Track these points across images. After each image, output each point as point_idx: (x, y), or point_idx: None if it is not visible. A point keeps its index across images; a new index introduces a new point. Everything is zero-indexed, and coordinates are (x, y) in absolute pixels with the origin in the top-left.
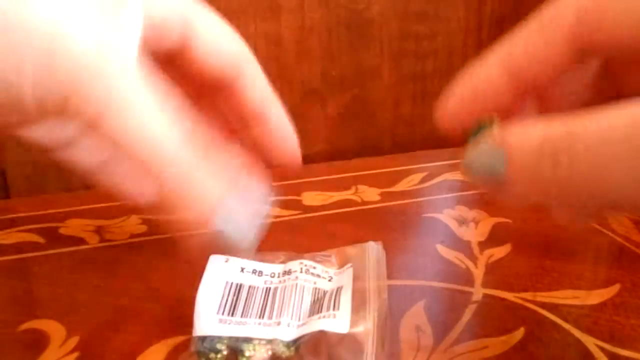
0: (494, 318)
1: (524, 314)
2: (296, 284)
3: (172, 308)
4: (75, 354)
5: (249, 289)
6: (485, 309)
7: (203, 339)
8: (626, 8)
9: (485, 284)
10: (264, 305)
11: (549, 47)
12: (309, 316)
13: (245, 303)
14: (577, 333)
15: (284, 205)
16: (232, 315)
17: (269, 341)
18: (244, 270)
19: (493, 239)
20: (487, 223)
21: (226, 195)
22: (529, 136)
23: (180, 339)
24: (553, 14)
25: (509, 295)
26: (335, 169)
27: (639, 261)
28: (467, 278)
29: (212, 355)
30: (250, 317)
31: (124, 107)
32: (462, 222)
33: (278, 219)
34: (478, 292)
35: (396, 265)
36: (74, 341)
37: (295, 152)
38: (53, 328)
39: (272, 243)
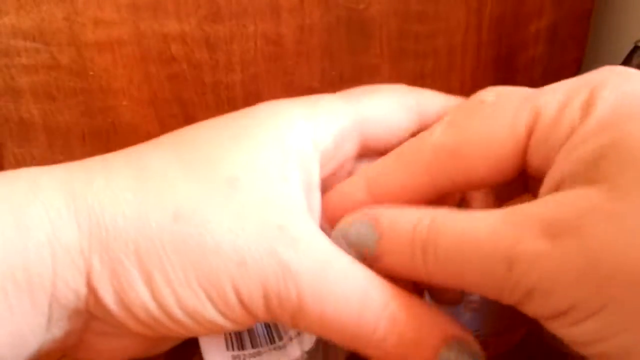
0: (494, 318)
1: (524, 314)
2: None
3: None
4: None
5: None
6: (486, 309)
7: None
8: (481, 152)
9: None
10: (267, 328)
11: (411, 180)
12: None
13: (248, 332)
14: None
15: None
16: (243, 348)
17: None
18: None
19: None
20: None
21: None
22: (401, 226)
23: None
24: (414, 149)
25: None
26: None
27: None
28: None
29: None
30: (261, 345)
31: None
32: None
33: None
34: None
35: None
36: None
37: None
38: None
39: None
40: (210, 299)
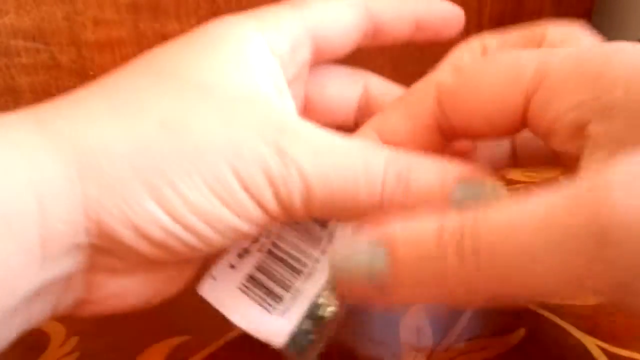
0: (494, 318)
1: (524, 314)
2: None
3: (172, 308)
4: (75, 354)
5: (256, 269)
6: (486, 309)
7: (289, 344)
8: (480, 98)
9: None
10: (284, 262)
11: (416, 124)
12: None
13: (271, 278)
14: (578, 333)
15: None
16: (280, 301)
17: (328, 281)
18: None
19: None
20: None
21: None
22: (418, 229)
23: (180, 339)
24: (417, 91)
25: None
26: None
27: None
28: None
29: (306, 345)
30: (291, 283)
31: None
32: None
33: None
34: None
35: None
36: (74, 341)
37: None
38: (53, 328)
39: None
40: (218, 196)
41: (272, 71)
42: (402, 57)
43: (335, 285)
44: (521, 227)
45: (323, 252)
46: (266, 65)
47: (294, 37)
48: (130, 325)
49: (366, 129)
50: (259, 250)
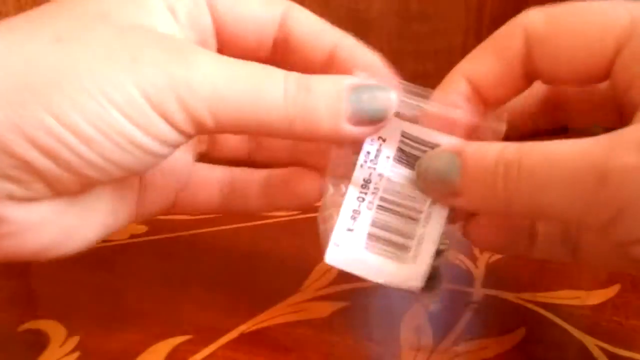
0: (494, 318)
1: (524, 314)
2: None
3: (172, 308)
4: (75, 354)
5: (373, 227)
6: (486, 309)
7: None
8: (571, 43)
9: (485, 284)
10: (398, 214)
11: (504, 68)
12: None
13: (392, 232)
14: (578, 333)
15: None
16: (407, 249)
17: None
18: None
19: None
20: None
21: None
22: (485, 151)
23: (180, 339)
24: (505, 34)
25: (509, 296)
26: None
27: None
28: (467, 278)
29: (436, 281)
30: (412, 231)
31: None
32: None
33: (277, 220)
34: (478, 292)
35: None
36: (74, 341)
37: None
38: (53, 328)
39: (270, 243)
40: (115, 104)
41: (169, 23)
42: (402, 57)
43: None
44: (553, 160)
45: None
46: (165, 17)
47: (191, 5)
48: (130, 325)
49: (454, 75)
50: (369, 209)
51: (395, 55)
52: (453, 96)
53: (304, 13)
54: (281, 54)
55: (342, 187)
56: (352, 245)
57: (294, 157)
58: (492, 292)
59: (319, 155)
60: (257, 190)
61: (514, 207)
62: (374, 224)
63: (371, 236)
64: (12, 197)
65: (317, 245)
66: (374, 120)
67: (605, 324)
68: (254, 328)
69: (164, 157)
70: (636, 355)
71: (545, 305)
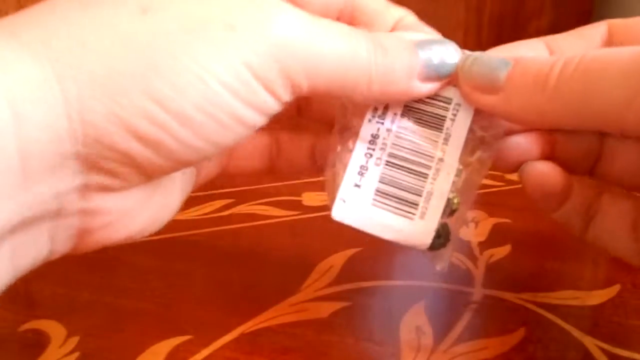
0: (494, 318)
1: (524, 314)
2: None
3: (172, 308)
4: (75, 354)
5: (381, 182)
6: (486, 309)
7: (432, 243)
8: None
9: (485, 285)
10: (407, 170)
11: (586, 44)
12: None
13: (400, 187)
14: (577, 333)
15: (284, 205)
16: (415, 206)
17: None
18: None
19: (493, 239)
20: (487, 223)
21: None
22: (538, 57)
23: (180, 339)
24: (589, 26)
25: (509, 296)
26: None
27: None
28: (467, 278)
29: (445, 239)
30: (421, 187)
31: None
32: None
33: (278, 220)
34: (478, 293)
35: (396, 265)
36: (74, 341)
37: None
38: (53, 328)
39: (270, 243)
40: (223, 84)
41: None
42: None
43: (460, 86)
44: (613, 54)
45: (443, 152)
46: None
47: None
48: (130, 325)
49: (536, 41)
50: (377, 165)
51: None
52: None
53: None
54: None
55: (350, 143)
56: (359, 202)
57: (314, 164)
58: (492, 292)
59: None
60: (305, 151)
61: (560, 105)
62: (381, 180)
63: (379, 192)
64: (105, 189)
65: (317, 245)
66: (442, 76)
67: (605, 324)
68: (254, 328)
69: (257, 128)
70: (636, 355)
71: (545, 306)
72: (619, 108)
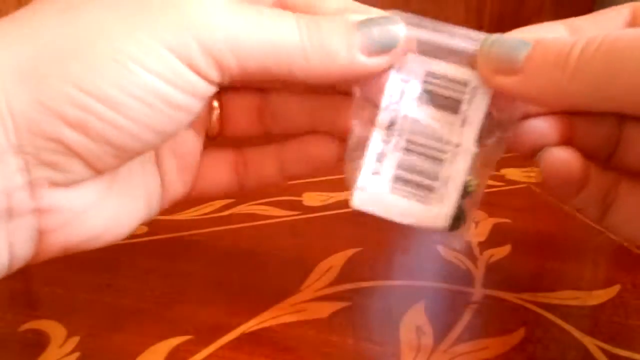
0: (494, 318)
1: (524, 314)
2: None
3: (172, 308)
4: (76, 354)
5: (399, 169)
6: (486, 309)
7: (450, 225)
8: None
9: (485, 285)
10: (424, 155)
11: (609, 26)
12: None
13: (417, 173)
14: (577, 334)
15: (284, 205)
16: (433, 190)
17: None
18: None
19: (493, 239)
20: (487, 223)
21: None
22: (558, 38)
23: (180, 339)
24: (613, 8)
25: (509, 296)
26: (335, 170)
27: (639, 261)
28: (467, 278)
29: (463, 222)
30: (438, 172)
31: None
32: None
33: (278, 220)
34: (478, 293)
35: (396, 265)
36: (74, 341)
37: None
38: (53, 328)
39: (270, 243)
40: (135, 60)
41: None
42: None
43: (479, 67)
44: (629, 38)
45: (460, 135)
46: None
47: None
48: (131, 325)
49: (557, 23)
50: (395, 151)
51: None
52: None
53: None
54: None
55: (367, 130)
56: (378, 189)
57: (310, 125)
58: (492, 292)
59: (336, 120)
60: (272, 163)
61: (581, 86)
62: (399, 166)
63: (397, 179)
64: (53, 183)
65: (317, 245)
66: (385, 49)
67: (605, 324)
68: (254, 328)
69: (195, 112)
70: (636, 355)
71: (545, 306)
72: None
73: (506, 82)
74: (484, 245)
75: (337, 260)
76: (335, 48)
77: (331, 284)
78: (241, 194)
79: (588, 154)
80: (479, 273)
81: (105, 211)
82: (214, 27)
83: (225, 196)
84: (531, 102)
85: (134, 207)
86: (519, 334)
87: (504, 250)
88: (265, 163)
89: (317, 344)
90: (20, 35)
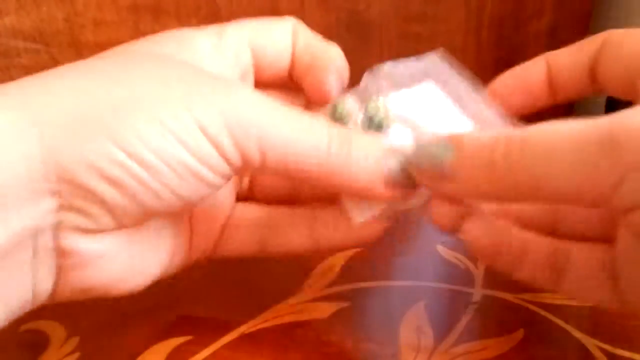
0: (494, 319)
1: (524, 314)
2: None
3: (172, 308)
4: (76, 355)
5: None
6: (486, 309)
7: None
8: (624, 56)
9: (485, 285)
10: None
11: (577, 60)
12: None
13: None
14: (578, 334)
15: None
16: None
17: None
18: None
19: None
20: None
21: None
22: (484, 135)
23: (180, 339)
24: (589, 39)
25: (509, 296)
26: None
27: None
28: (467, 278)
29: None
30: None
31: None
32: None
33: None
34: (478, 293)
35: (396, 265)
36: (74, 341)
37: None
38: (53, 328)
39: None
40: (177, 137)
41: (217, 63)
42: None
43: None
44: (558, 132)
45: None
46: (212, 57)
47: (235, 43)
48: (131, 325)
49: (539, 60)
50: None
51: (395, 56)
52: (531, 74)
53: (304, 29)
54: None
55: None
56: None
57: (315, 245)
58: (492, 292)
59: None
60: (301, 229)
61: (513, 187)
62: None
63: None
64: (78, 229)
65: None
66: (406, 187)
67: (606, 324)
68: (254, 328)
69: (217, 187)
70: (636, 355)
71: (545, 306)
72: (579, 184)
73: (444, 187)
74: None
75: (337, 261)
76: (358, 176)
77: (331, 284)
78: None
79: (526, 225)
80: (479, 273)
81: (123, 260)
82: (248, 120)
83: (249, 256)
84: (471, 201)
85: (155, 260)
86: (519, 334)
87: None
88: (292, 229)
89: (317, 344)
90: (72, 90)
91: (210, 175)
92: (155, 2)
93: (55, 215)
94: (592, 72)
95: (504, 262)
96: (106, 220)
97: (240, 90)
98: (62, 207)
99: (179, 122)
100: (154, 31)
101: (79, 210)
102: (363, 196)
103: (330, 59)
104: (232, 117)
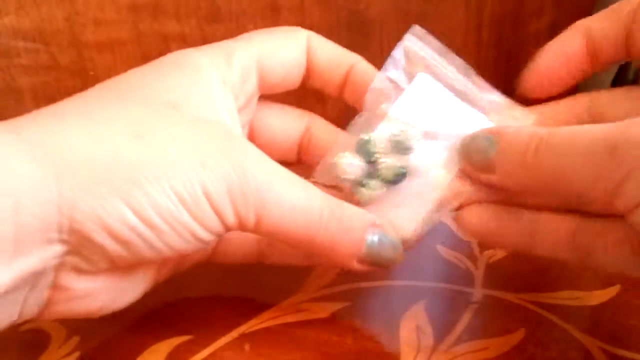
0: (494, 319)
1: (524, 314)
2: None
3: (172, 308)
4: (76, 354)
5: None
6: (486, 309)
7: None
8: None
9: (485, 285)
10: None
11: (615, 25)
12: None
13: None
14: (578, 334)
15: None
16: None
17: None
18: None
19: None
20: None
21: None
22: (520, 130)
23: (180, 339)
24: (624, 5)
25: (509, 296)
26: None
27: None
28: (467, 278)
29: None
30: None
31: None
32: None
33: None
34: (478, 293)
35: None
36: (74, 341)
37: None
38: (53, 328)
39: None
40: (184, 203)
41: (225, 99)
42: None
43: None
44: (573, 135)
45: None
46: (220, 93)
47: (243, 69)
48: (131, 325)
49: (572, 29)
50: None
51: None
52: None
53: (321, 40)
54: (304, 152)
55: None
56: None
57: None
58: (492, 292)
59: None
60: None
61: (539, 180)
62: None
63: None
64: (76, 269)
65: None
66: (380, 266)
67: (606, 324)
68: (254, 328)
69: (208, 243)
70: (636, 355)
71: (545, 306)
72: (588, 183)
73: (488, 178)
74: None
75: None
76: (339, 249)
77: (331, 284)
78: None
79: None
80: (479, 273)
81: (110, 292)
82: (249, 189)
83: (248, 263)
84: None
85: (141, 286)
86: (519, 334)
87: (504, 250)
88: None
89: (317, 344)
90: (95, 145)
91: (204, 234)
92: (155, 1)
93: (60, 259)
94: (629, 34)
95: (512, 243)
96: (104, 264)
97: (247, 156)
98: (68, 253)
99: (186, 187)
100: (153, 30)
101: (83, 256)
102: (340, 265)
103: (366, 73)
104: (234, 184)
